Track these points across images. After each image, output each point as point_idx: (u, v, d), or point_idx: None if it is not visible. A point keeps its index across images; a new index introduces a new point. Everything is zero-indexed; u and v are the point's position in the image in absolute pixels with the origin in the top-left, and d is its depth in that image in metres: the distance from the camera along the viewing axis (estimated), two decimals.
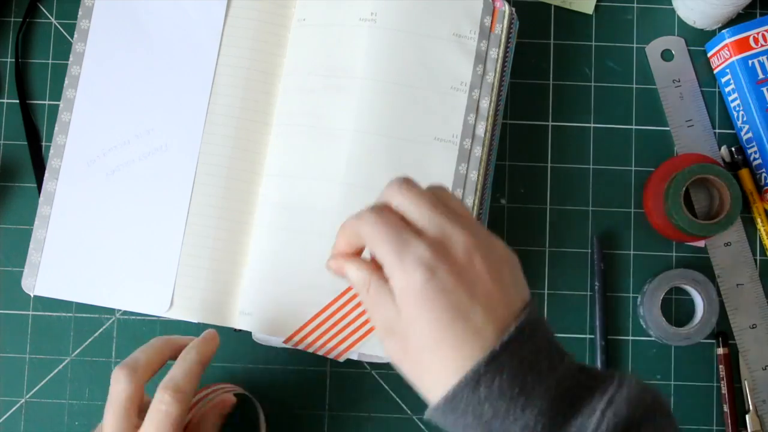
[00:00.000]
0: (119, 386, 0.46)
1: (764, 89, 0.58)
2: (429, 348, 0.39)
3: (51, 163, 0.58)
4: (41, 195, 0.58)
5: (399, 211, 0.42)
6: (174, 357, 0.50)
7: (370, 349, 0.53)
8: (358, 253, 0.44)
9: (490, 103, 0.55)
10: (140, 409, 0.47)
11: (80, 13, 0.59)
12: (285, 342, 0.54)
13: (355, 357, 0.54)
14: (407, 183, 0.42)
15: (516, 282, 0.41)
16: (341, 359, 0.54)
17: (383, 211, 0.41)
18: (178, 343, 0.50)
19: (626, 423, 0.38)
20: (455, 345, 0.39)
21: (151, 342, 0.50)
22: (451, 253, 0.40)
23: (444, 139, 0.54)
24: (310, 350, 0.54)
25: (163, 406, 0.46)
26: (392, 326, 0.41)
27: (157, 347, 0.49)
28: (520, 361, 0.38)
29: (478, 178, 0.54)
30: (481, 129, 0.55)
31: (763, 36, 0.59)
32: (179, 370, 0.47)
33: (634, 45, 0.62)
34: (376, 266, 0.42)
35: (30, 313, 0.59)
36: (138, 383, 0.47)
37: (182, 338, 0.51)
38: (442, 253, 0.39)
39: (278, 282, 0.54)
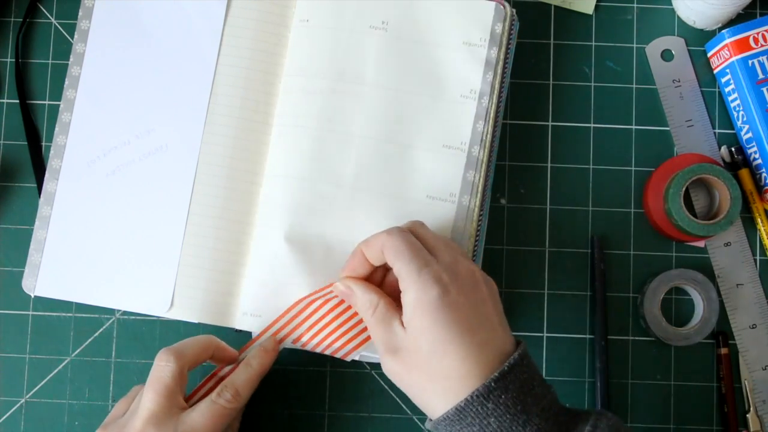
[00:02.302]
0: (167, 365, 0.48)
1: (764, 89, 0.58)
2: (437, 357, 0.44)
3: (51, 164, 0.58)
4: (41, 195, 0.58)
5: (418, 238, 0.48)
6: (214, 359, 0.51)
7: (371, 350, 0.53)
8: (365, 277, 0.49)
9: (491, 105, 0.55)
10: (183, 393, 0.49)
11: (80, 13, 0.59)
12: (261, 333, 0.54)
13: (356, 357, 0.54)
14: (423, 225, 0.50)
15: (503, 314, 0.47)
16: (348, 359, 0.54)
17: (408, 232, 0.48)
18: (222, 347, 0.52)
19: None
20: (462, 354, 0.43)
21: (198, 337, 0.51)
22: (461, 276, 0.45)
23: (452, 146, 0.54)
24: (307, 348, 0.54)
25: (222, 401, 0.48)
26: (395, 344, 0.46)
27: (203, 342, 0.51)
28: (522, 383, 0.43)
29: (479, 179, 0.54)
30: (484, 132, 0.55)
31: (763, 36, 0.59)
32: (243, 376, 0.50)
33: (634, 45, 0.62)
34: (381, 292, 0.48)
35: (30, 313, 0.59)
36: (183, 368, 0.49)
37: (227, 346, 0.52)
38: (454, 275, 0.45)
39: (279, 282, 0.54)
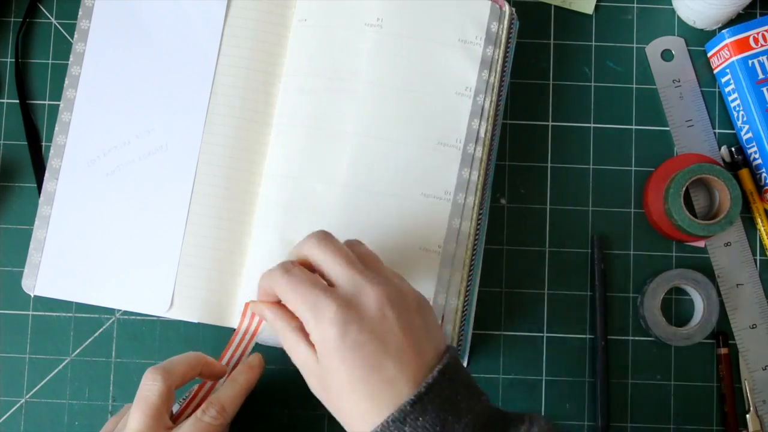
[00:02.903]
0: (154, 385, 0.47)
1: (764, 89, 0.58)
2: (345, 397, 0.43)
3: (51, 163, 0.58)
4: (41, 195, 0.58)
5: (316, 265, 0.45)
6: (202, 376, 0.51)
7: None
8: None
9: (490, 104, 0.55)
10: (169, 413, 0.48)
11: (80, 13, 0.59)
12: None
13: None
14: (325, 239, 0.45)
15: (428, 329, 0.44)
16: None
17: (293, 270, 0.45)
18: (211, 363, 0.51)
19: None
20: (369, 395, 0.42)
21: (186, 354, 0.50)
22: (363, 308, 0.43)
23: (448, 144, 0.54)
24: None
25: (207, 418, 0.48)
26: (311, 369, 0.44)
27: (191, 360, 0.50)
28: (442, 401, 0.42)
29: (478, 178, 0.54)
30: (482, 130, 0.55)
31: (763, 36, 0.59)
32: (228, 392, 0.49)
33: (634, 45, 0.62)
34: (292, 315, 0.45)
35: (30, 313, 0.59)
36: (170, 386, 0.48)
37: (215, 362, 0.51)
38: (354, 309, 0.42)
39: None
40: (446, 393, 0.42)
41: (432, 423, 0.41)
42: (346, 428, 0.44)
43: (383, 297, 0.43)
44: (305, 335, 0.44)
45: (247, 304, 0.50)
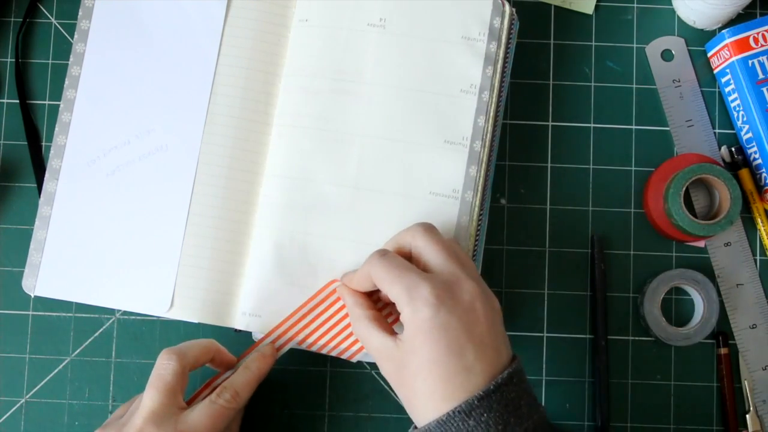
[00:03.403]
0: (169, 364, 0.49)
1: (764, 89, 0.58)
2: (422, 376, 0.44)
3: (51, 164, 0.58)
4: (41, 195, 0.58)
5: (416, 253, 0.48)
6: (213, 362, 0.52)
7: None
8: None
9: (491, 104, 0.55)
10: (183, 393, 0.50)
11: (80, 13, 0.59)
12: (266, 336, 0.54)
13: (362, 358, 0.54)
14: (430, 229, 0.49)
15: (504, 333, 0.47)
16: (354, 359, 0.54)
17: (389, 254, 0.48)
18: (223, 351, 0.53)
19: None
20: (444, 377, 0.44)
21: (200, 340, 0.52)
22: (457, 295, 0.45)
23: (454, 141, 0.54)
24: (314, 349, 0.54)
25: (221, 401, 0.49)
26: (387, 353, 0.46)
27: (204, 345, 0.52)
28: (507, 403, 0.44)
29: (479, 178, 0.54)
30: (485, 127, 0.55)
31: (763, 36, 0.59)
32: (242, 378, 0.51)
33: (634, 45, 0.62)
34: (370, 304, 0.49)
35: (30, 313, 0.59)
36: (185, 367, 0.49)
37: (226, 350, 0.53)
38: (448, 294, 0.45)
39: (279, 282, 0.54)
40: (512, 396, 0.44)
41: (495, 421, 0.43)
42: (412, 414, 0.46)
43: (476, 291, 0.46)
44: (380, 324, 0.48)
45: (329, 283, 0.52)
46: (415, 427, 0.46)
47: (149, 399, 0.48)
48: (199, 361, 0.51)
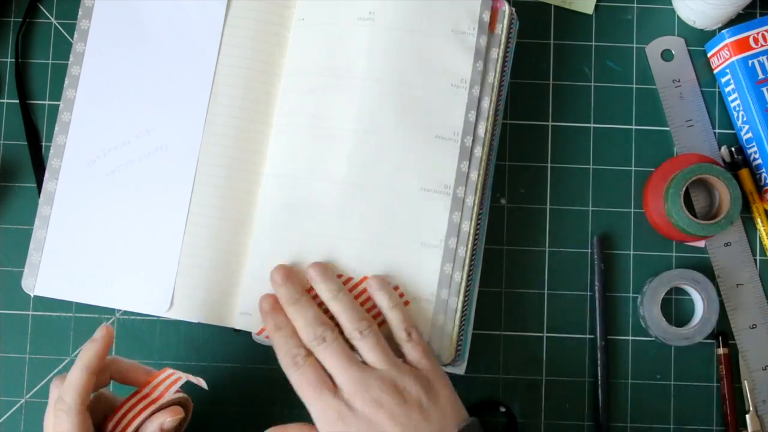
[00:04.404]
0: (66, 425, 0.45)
1: (764, 89, 0.58)
2: None
3: (51, 163, 0.58)
4: (41, 195, 0.57)
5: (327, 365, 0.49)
6: (117, 379, 0.49)
7: None
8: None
9: (490, 103, 0.55)
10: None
11: (80, 13, 0.59)
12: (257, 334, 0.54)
13: None
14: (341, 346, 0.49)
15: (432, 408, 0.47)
16: None
17: (304, 366, 0.48)
18: (117, 363, 0.49)
19: None
20: None
21: (74, 367, 0.47)
22: (357, 411, 0.47)
23: (445, 136, 0.54)
24: None
25: (52, 418, 0.46)
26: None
27: (83, 372, 0.46)
28: None
29: (478, 177, 0.54)
30: (481, 128, 0.54)
31: (763, 36, 0.59)
32: (65, 383, 0.46)
33: (634, 45, 0.62)
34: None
35: (30, 313, 0.59)
36: (81, 416, 0.45)
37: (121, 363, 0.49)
38: (350, 411, 0.47)
39: None
40: None
41: None
42: None
43: (383, 391, 0.47)
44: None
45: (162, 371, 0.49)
46: None
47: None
48: (89, 391, 0.46)
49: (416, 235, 0.53)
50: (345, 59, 0.55)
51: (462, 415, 0.48)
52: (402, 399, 0.47)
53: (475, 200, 0.54)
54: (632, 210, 0.60)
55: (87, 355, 0.47)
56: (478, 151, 0.54)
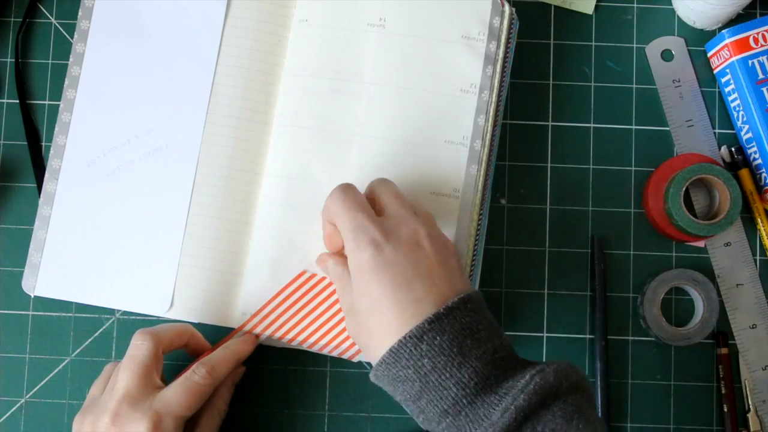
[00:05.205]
0: (142, 344, 0.49)
1: (764, 89, 0.58)
2: (374, 314, 0.44)
3: (51, 164, 0.58)
4: (41, 195, 0.58)
5: (374, 194, 0.49)
6: (188, 347, 0.53)
7: None
8: (340, 253, 0.50)
9: (491, 103, 0.55)
10: (159, 373, 0.50)
11: (80, 13, 0.59)
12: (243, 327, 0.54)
13: (363, 358, 0.54)
14: (387, 180, 0.50)
15: (461, 272, 0.47)
16: (355, 359, 0.54)
17: (347, 191, 0.48)
18: (197, 336, 0.53)
19: (551, 389, 0.41)
20: (396, 311, 0.43)
21: (175, 323, 0.52)
22: (402, 237, 0.46)
23: (454, 141, 0.54)
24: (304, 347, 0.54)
25: (196, 377, 0.49)
26: (351, 306, 0.46)
27: (179, 328, 0.52)
28: (462, 327, 0.43)
29: (479, 178, 0.54)
30: (485, 127, 0.55)
31: (763, 36, 0.59)
32: (220, 355, 0.51)
33: (634, 45, 0.62)
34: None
35: (30, 313, 0.59)
36: (158, 347, 0.49)
37: (201, 336, 0.54)
38: (393, 234, 0.45)
39: (279, 282, 0.54)
40: (467, 320, 0.43)
41: (449, 344, 0.42)
42: (372, 359, 0.45)
43: (422, 231, 0.46)
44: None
45: (300, 275, 0.54)
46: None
47: (123, 380, 0.48)
48: (173, 344, 0.51)
49: None
50: (353, 63, 0.55)
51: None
52: (443, 245, 0.47)
53: (475, 200, 0.54)
54: (632, 210, 0.60)
55: (243, 350, 0.53)
56: (484, 153, 0.54)
